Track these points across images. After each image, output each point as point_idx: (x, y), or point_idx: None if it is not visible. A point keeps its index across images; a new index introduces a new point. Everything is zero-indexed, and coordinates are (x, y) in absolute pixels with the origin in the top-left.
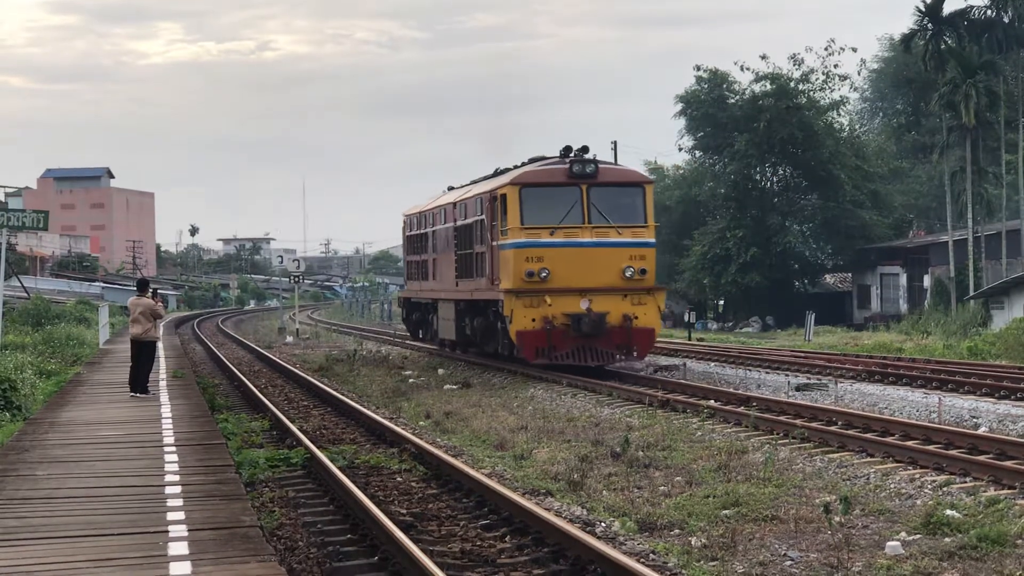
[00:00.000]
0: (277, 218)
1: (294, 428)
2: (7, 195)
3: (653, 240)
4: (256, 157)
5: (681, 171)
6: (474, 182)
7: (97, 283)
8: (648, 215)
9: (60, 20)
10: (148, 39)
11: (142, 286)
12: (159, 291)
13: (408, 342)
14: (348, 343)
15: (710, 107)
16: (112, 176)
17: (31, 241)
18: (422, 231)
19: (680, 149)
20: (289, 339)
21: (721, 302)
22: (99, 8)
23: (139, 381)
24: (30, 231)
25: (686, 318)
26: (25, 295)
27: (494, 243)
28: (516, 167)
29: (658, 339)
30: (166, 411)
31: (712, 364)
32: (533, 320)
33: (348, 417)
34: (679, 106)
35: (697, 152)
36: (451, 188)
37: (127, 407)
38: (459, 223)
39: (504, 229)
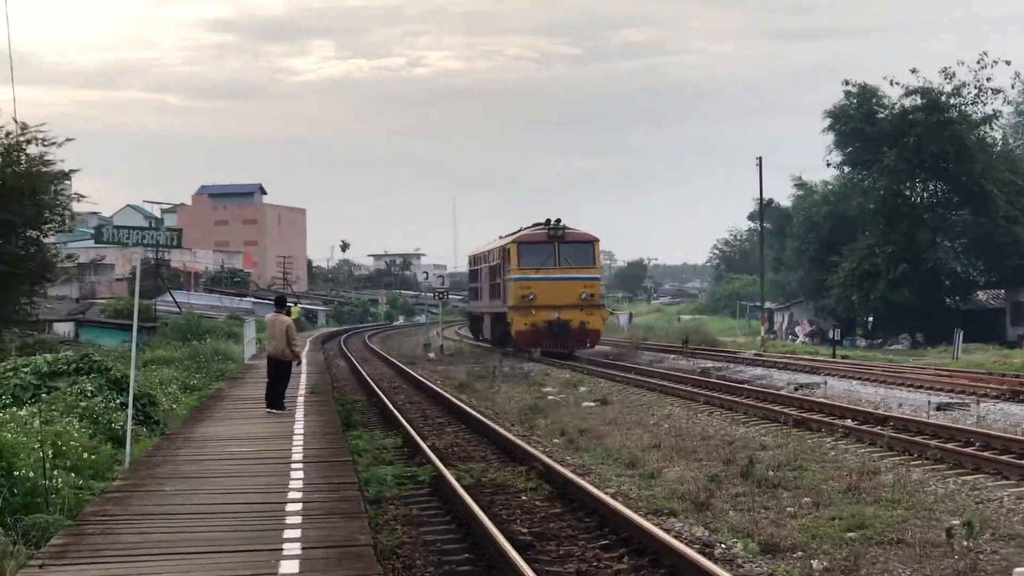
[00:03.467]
0: (428, 234)
1: (424, 445)
2: (163, 211)
3: (599, 276)
4: (407, 173)
5: (829, 187)
6: (501, 237)
7: (248, 298)
8: (596, 261)
9: (216, 39)
10: (301, 56)
11: (280, 303)
12: (309, 306)
13: (550, 360)
14: (491, 359)
15: (859, 122)
16: (264, 192)
17: (185, 257)
18: (476, 267)
19: (828, 164)
20: (432, 355)
21: (870, 319)
22: (254, 26)
23: (275, 397)
24: (163, 248)
25: (831, 335)
26: (177, 310)
27: (506, 278)
28: (519, 231)
29: (800, 356)
30: (299, 427)
31: (853, 382)
32: (525, 324)
33: (481, 434)
34: (827, 121)
35: (845, 167)
36: (501, 236)
37: (262, 423)
38: (492, 263)
39: (509, 269)
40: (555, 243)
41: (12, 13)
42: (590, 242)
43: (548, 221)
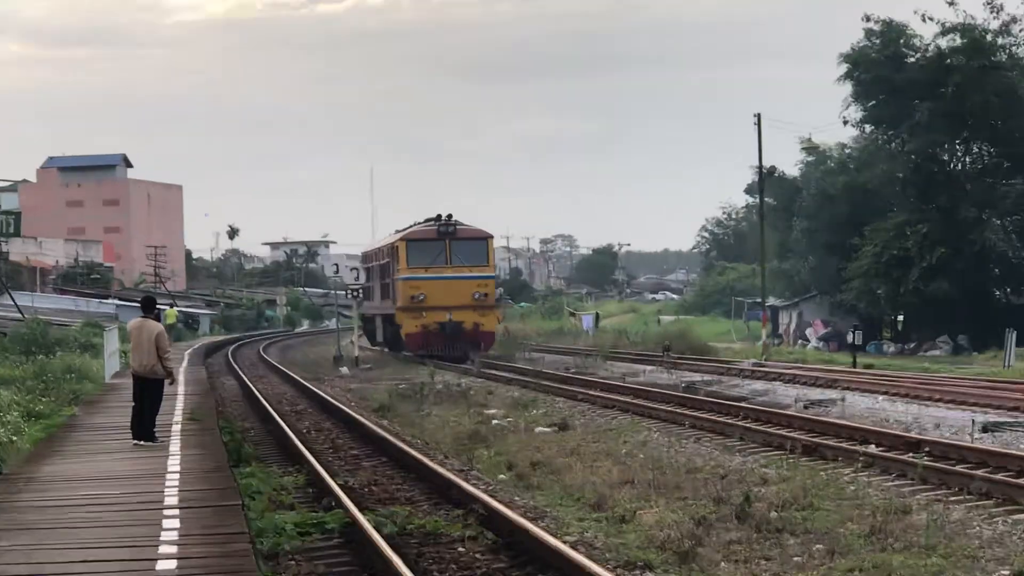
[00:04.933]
0: (339, 216)
1: (334, 484)
2: (0, 190)
3: (493, 275)
4: (312, 139)
5: (848, 151)
6: (390, 234)
7: (111, 300)
8: (490, 259)
9: None
10: None
11: (149, 305)
12: (188, 309)
13: (492, 372)
14: (420, 374)
15: (884, 68)
16: (130, 165)
17: (29, 248)
18: (368, 265)
19: (845, 123)
20: (344, 370)
21: (900, 318)
22: None
23: (144, 425)
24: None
25: (850, 338)
26: (19, 316)
27: (395, 277)
28: (407, 228)
29: (812, 366)
30: (174, 463)
31: (879, 398)
32: (416, 327)
33: (407, 470)
34: (844, 68)
35: (867, 127)
36: (396, 231)
37: (126, 458)
38: (382, 262)
39: (398, 268)
40: (446, 240)
41: None
42: (484, 239)
43: (439, 216)
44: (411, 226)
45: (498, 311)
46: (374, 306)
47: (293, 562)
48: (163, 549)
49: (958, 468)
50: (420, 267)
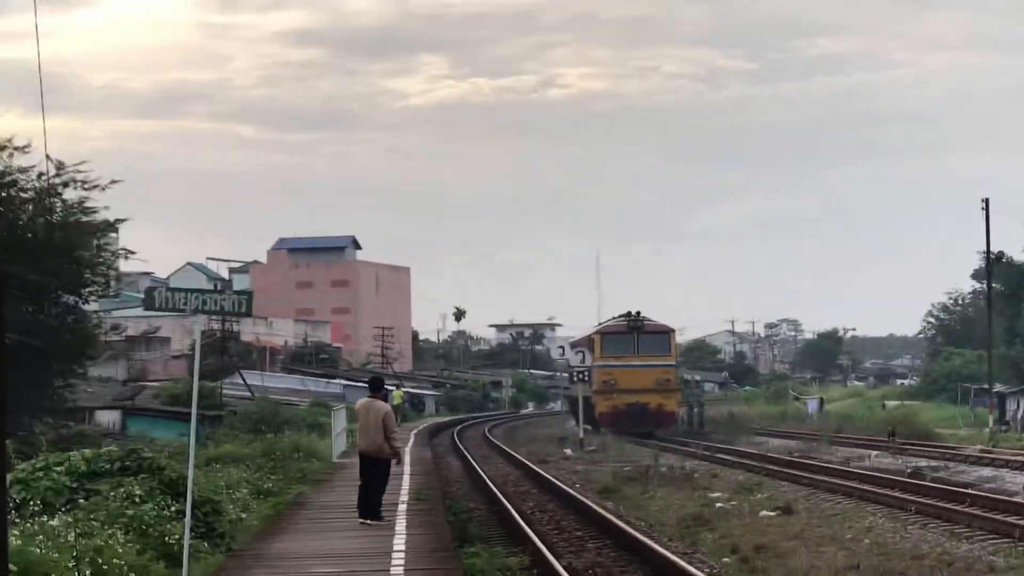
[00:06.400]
0: (565, 299)
1: (559, 566)
2: (231, 271)
3: (674, 363)
4: (538, 222)
5: None
6: (591, 327)
7: (337, 380)
8: (672, 349)
9: (300, 55)
10: (406, 76)
11: (376, 385)
12: (415, 390)
13: (716, 455)
14: (644, 456)
15: None
16: (359, 247)
17: (259, 328)
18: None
19: None
20: (569, 451)
21: None
22: (347, 39)
23: (370, 505)
24: (230, 317)
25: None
26: (249, 395)
27: (591, 365)
28: (603, 323)
29: None
30: (400, 542)
31: None
32: (607, 407)
33: (631, 552)
34: None
35: None
36: (595, 325)
37: (353, 537)
38: (582, 351)
39: (594, 357)
40: (634, 334)
41: (43, 25)
42: (666, 332)
43: (629, 313)
44: (607, 320)
45: (679, 394)
46: (573, 390)
47: None
48: None
49: None
50: (612, 356)
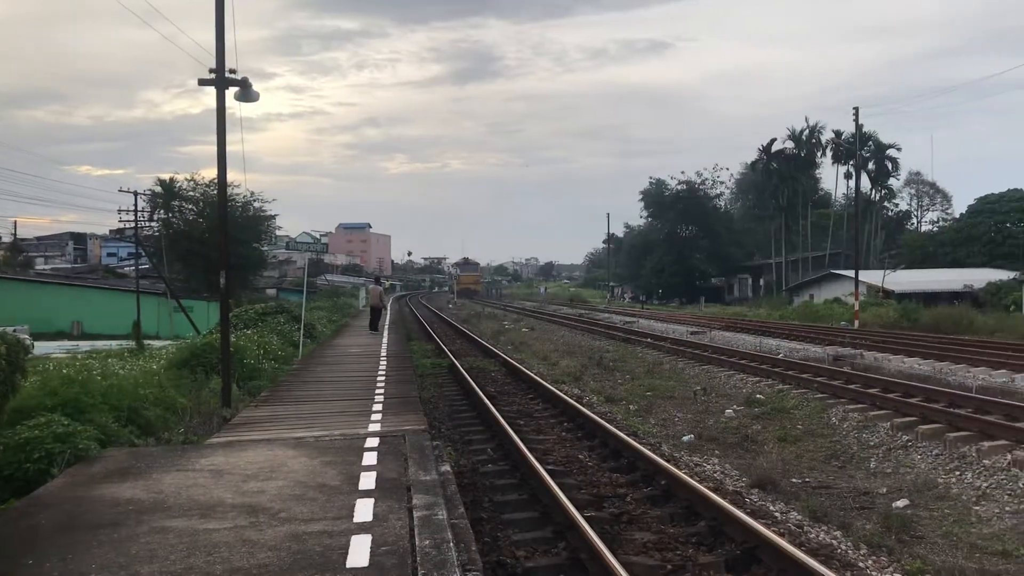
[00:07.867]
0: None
1: (447, 349)
2: (320, 235)
3: (479, 274)
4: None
5: (641, 226)
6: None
7: (362, 278)
8: (479, 270)
9: (347, 151)
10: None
11: (376, 280)
12: (389, 282)
13: (507, 309)
14: (475, 307)
15: (656, 196)
16: (370, 226)
17: (329, 257)
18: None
19: (642, 217)
20: (451, 306)
21: (660, 291)
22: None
23: (374, 326)
24: (319, 253)
25: (641, 298)
26: (327, 283)
27: (456, 274)
28: (457, 261)
29: (626, 308)
30: (385, 339)
31: (653, 321)
32: (460, 289)
33: (473, 343)
34: (639, 198)
35: (650, 218)
36: (457, 260)
37: (366, 338)
38: (454, 269)
39: (456, 272)
40: (466, 263)
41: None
42: (477, 264)
43: (466, 258)
44: (459, 260)
45: (482, 285)
46: (452, 283)
47: (429, 378)
48: (380, 373)
49: (681, 348)
50: (461, 272)
